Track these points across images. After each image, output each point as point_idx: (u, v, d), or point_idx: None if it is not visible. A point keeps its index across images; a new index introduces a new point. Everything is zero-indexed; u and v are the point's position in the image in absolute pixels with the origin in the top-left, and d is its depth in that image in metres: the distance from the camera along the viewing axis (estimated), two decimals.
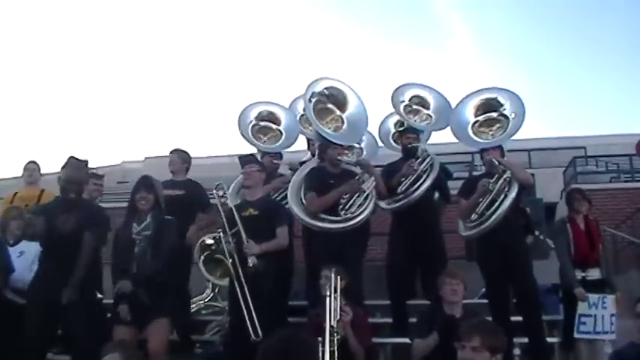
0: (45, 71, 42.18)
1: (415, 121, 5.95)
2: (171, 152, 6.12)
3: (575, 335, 5.22)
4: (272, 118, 6.38)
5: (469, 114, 5.65)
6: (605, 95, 38.78)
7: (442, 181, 5.95)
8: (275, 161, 6.13)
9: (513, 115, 5.48)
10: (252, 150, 6.07)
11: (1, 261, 4.82)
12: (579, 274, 5.29)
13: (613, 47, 36.64)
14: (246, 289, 4.54)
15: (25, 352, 4.43)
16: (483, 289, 6.43)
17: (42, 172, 6.32)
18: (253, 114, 6.32)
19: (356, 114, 5.71)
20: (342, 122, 5.70)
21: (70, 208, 4.68)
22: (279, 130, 6.32)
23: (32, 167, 6.28)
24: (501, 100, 5.60)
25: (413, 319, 5.14)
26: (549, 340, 5.39)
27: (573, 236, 5.39)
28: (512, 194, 5.10)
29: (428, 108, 5.99)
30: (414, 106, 5.99)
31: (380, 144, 6.63)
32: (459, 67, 38.60)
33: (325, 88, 5.65)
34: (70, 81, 42.45)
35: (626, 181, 11.64)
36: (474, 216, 5.17)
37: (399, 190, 5.65)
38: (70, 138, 30.97)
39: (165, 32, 41.17)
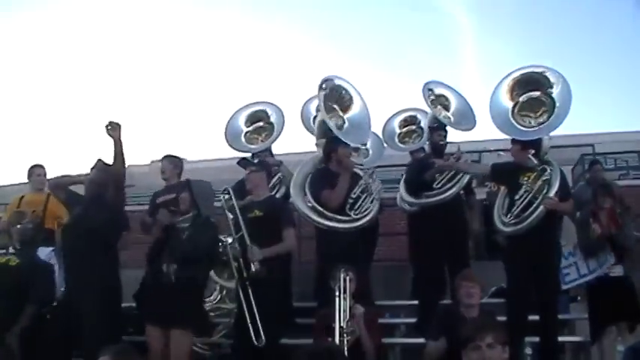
0: (49, 75, 42.35)
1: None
2: (162, 159, 5.95)
3: (564, 287, 5.34)
4: (257, 117, 6.44)
5: (505, 98, 5.04)
6: (613, 92, 38.58)
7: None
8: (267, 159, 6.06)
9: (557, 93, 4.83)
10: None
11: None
12: (601, 272, 5.16)
13: (620, 44, 36.46)
14: (250, 293, 4.51)
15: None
16: (493, 289, 6.39)
17: (47, 177, 6.18)
18: (241, 123, 6.39)
19: (358, 117, 5.63)
20: (344, 122, 5.63)
21: (97, 206, 4.78)
22: (270, 123, 6.37)
23: (40, 172, 6.24)
24: (551, 78, 4.91)
25: None
26: (560, 339, 5.32)
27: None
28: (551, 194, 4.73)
29: (448, 110, 6.01)
30: (438, 106, 6.00)
31: (384, 145, 6.61)
32: (462, 64, 38.54)
33: (337, 85, 5.61)
34: (75, 85, 42.59)
35: (634, 178, 11.53)
36: (509, 217, 4.86)
37: (435, 185, 5.61)
38: (76, 142, 31.07)
39: (171, 34, 41.37)
